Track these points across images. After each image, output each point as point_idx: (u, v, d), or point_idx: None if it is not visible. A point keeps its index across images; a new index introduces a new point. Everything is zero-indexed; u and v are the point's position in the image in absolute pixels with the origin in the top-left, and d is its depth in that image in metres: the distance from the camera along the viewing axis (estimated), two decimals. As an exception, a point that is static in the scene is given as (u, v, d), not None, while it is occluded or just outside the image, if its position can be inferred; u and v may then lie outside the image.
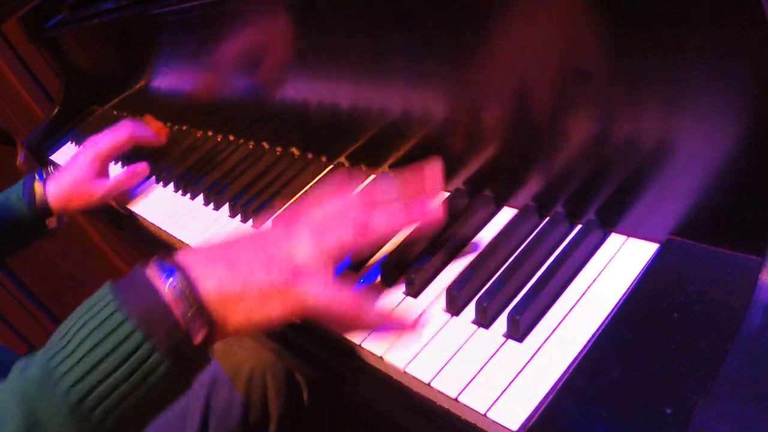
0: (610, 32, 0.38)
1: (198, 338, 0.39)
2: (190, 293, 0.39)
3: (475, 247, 0.48)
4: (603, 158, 0.42)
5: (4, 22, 1.39)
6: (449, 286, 0.43)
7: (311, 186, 0.67)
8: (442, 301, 0.44)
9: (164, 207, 0.80)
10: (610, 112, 0.40)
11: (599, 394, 0.33)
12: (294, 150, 0.74)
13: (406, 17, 0.51)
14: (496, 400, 0.36)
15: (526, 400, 0.35)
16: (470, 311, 0.42)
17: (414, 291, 0.46)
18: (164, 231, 0.75)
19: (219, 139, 0.86)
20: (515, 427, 0.34)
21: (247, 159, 0.78)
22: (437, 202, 0.54)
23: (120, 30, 1.01)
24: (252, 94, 0.77)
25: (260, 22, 0.68)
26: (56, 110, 1.33)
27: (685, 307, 0.35)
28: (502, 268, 0.44)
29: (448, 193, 0.53)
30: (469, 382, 0.38)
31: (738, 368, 0.31)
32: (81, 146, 0.90)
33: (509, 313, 0.39)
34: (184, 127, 0.96)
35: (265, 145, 0.78)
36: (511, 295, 0.42)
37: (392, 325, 0.44)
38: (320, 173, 0.68)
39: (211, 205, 0.73)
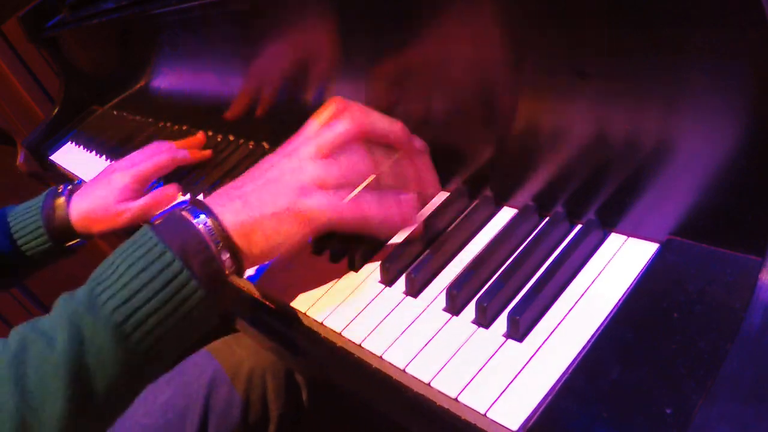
0: (610, 32, 0.38)
1: (228, 269, 0.45)
2: (217, 228, 0.44)
3: (475, 246, 0.48)
4: (603, 158, 0.42)
5: (4, 22, 1.39)
6: (449, 286, 0.43)
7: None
8: (442, 301, 0.44)
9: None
10: (610, 112, 0.40)
11: (599, 394, 0.33)
12: (294, 150, 0.74)
13: (407, 17, 0.51)
14: (496, 400, 0.36)
15: (526, 400, 0.35)
16: (470, 311, 0.42)
17: (414, 291, 0.46)
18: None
19: (219, 139, 0.86)
20: (515, 427, 0.34)
21: (247, 159, 0.78)
22: (436, 196, 0.54)
23: (120, 30, 1.01)
24: (252, 94, 0.77)
25: (260, 22, 0.68)
26: (56, 110, 1.33)
27: (685, 307, 0.35)
28: (502, 268, 0.44)
29: (448, 193, 0.53)
30: (469, 382, 0.38)
31: (738, 368, 0.31)
32: (113, 163, 0.81)
33: (509, 313, 0.39)
34: (185, 128, 0.96)
35: (265, 145, 0.78)
36: (510, 295, 0.42)
37: (400, 213, 0.48)
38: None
39: (211, 205, 0.73)
